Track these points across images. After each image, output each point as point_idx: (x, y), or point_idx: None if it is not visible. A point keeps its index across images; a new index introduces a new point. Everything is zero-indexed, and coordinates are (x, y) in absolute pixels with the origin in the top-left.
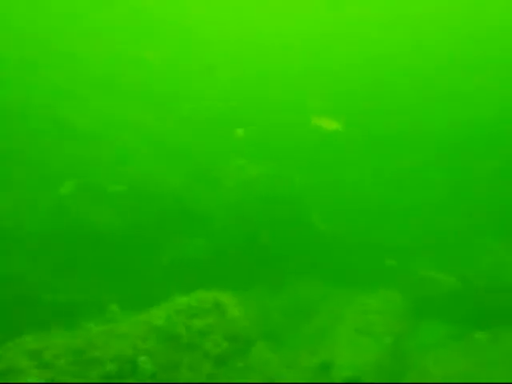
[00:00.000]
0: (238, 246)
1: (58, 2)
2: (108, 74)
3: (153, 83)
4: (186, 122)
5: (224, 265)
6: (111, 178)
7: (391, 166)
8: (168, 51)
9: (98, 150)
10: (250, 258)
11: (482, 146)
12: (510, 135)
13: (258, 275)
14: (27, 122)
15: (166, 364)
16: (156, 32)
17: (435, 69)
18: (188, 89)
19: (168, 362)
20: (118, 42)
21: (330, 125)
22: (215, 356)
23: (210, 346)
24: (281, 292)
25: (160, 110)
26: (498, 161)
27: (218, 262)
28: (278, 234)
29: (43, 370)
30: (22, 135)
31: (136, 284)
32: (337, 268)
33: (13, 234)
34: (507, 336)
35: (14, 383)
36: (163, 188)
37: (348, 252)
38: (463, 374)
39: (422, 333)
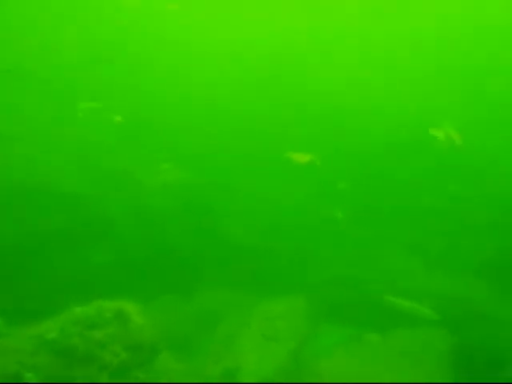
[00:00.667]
0: (146, 253)
1: None
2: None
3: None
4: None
5: (130, 273)
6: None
7: (312, 178)
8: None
9: (6, 148)
10: (158, 266)
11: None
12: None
13: (166, 283)
14: None
15: (56, 379)
16: None
17: None
18: None
19: (59, 376)
20: None
21: (303, 158)
22: (113, 367)
23: (108, 358)
24: (189, 300)
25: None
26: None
27: (124, 269)
28: (189, 241)
29: None
30: None
31: (27, 296)
32: (246, 276)
33: None
34: (397, 337)
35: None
36: (69, 190)
37: (258, 261)
38: (355, 374)
39: (321, 338)
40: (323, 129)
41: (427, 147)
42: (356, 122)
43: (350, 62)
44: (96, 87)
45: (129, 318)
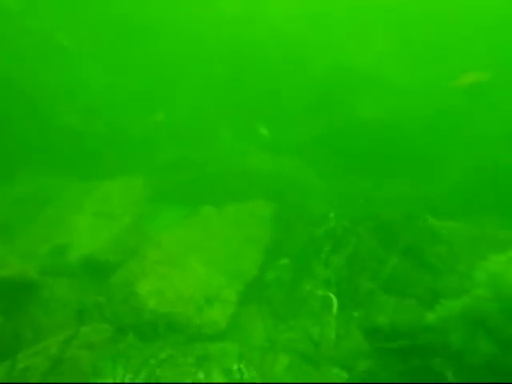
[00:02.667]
0: None
1: None
2: None
3: None
4: None
5: None
6: None
7: None
8: None
9: None
10: None
11: None
12: None
13: None
14: None
15: None
16: None
17: None
18: None
19: None
20: None
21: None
22: None
23: None
24: (12, 184)
25: None
26: None
27: None
28: (16, 128)
29: None
30: None
31: None
32: (79, 161)
33: None
34: (230, 210)
35: None
36: None
37: (93, 146)
38: (193, 243)
39: (160, 215)
40: None
41: None
42: None
43: None
44: None
45: None
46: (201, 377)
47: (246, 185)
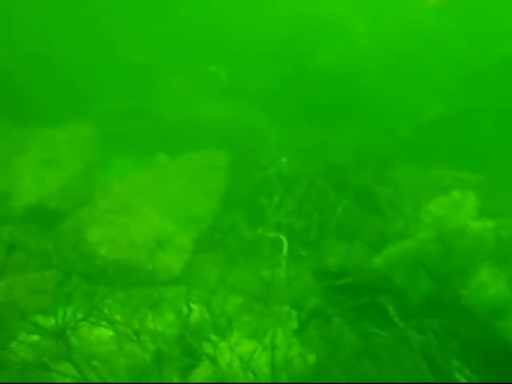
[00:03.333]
0: None
1: None
2: None
3: None
4: None
5: None
6: None
7: None
8: None
9: None
10: None
11: None
12: None
13: None
14: None
15: None
16: None
17: None
18: None
19: None
20: None
21: None
22: None
23: None
24: None
25: None
26: None
27: None
28: None
29: None
30: None
31: None
32: (21, 107)
33: None
34: (185, 159)
35: None
36: None
37: (36, 92)
38: (147, 191)
39: (111, 163)
40: None
41: None
42: None
43: None
44: None
45: None
46: (149, 317)
47: (200, 134)
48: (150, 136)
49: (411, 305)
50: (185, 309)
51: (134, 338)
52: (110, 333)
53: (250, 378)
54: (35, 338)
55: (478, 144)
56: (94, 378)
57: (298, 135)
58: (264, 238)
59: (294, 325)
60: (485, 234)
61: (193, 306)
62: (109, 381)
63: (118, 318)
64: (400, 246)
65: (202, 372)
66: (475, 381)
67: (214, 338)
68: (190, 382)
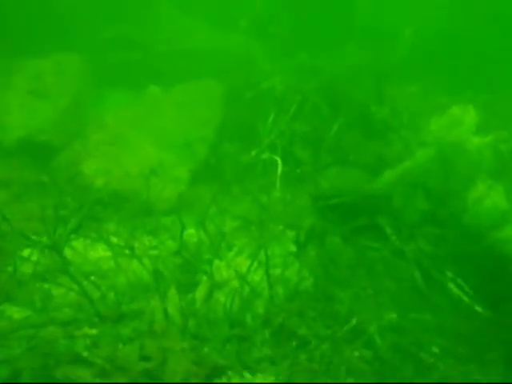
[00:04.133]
0: None
1: None
2: None
3: None
4: None
5: None
6: None
7: None
8: None
9: None
10: None
11: None
12: None
13: None
14: None
15: None
16: None
17: None
18: None
19: None
20: None
21: None
22: None
23: None
24: None
25: None
26: None
27: None
28: None
29: None
30: None
31: None
32: (5, 39)
33: None
34: (177, 90)
35: None
36: None
37: (20, 21)
38: (140, 124)
39: (102, 96)
40: None
41: None
42: None
43: None
44: None
45: None
46: (146, 240)
47: (193, 64)
48: (141, 67)
49: (409, 224)
50: (182, 233)
51: (132, 256)
52: (107, 254)
53: (246, 291)
54: (34, 256)
55: (478, 61)
56: (94, 292)
57: (293, 61)
58: (258, 159)
59: (291, 243)
60: (483, 148)
61: (190, 230)
62: (109, 295)
63: (115, 240)
64: (399, 167)
65: (200, 288)
66: (467, 290)
67: (211, 257)
68: (189, 298)
